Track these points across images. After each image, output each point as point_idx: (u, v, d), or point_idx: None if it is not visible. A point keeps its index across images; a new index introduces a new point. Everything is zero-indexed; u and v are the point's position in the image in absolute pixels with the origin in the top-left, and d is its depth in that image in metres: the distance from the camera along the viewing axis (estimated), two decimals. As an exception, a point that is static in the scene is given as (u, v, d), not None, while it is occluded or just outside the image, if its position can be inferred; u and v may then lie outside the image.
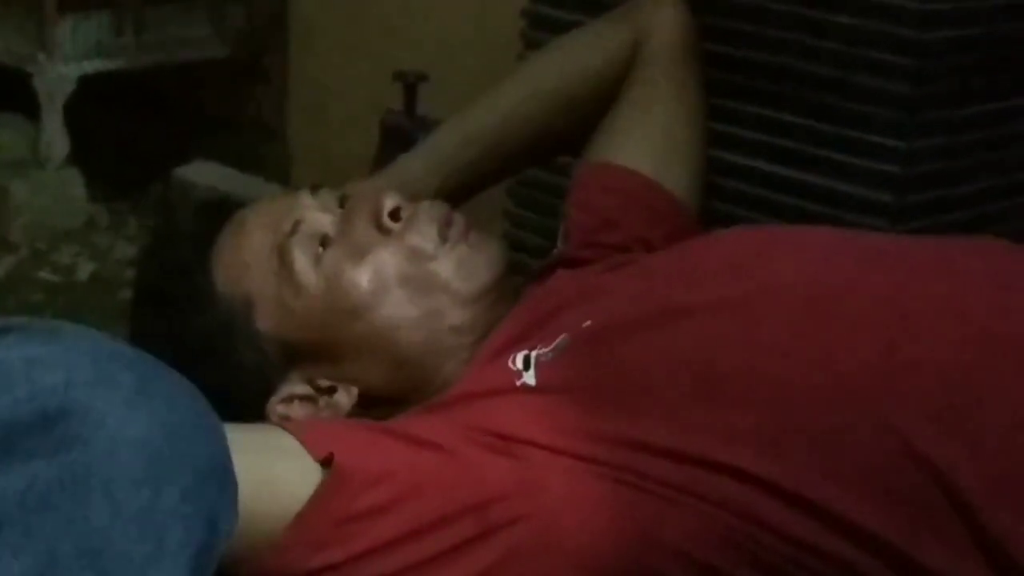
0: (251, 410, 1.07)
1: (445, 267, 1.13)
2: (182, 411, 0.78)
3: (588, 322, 1.08)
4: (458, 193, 1.30)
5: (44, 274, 2.30)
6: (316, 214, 1.14)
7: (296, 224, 1.13)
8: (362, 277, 1.11)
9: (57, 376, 0.75)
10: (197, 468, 0.76)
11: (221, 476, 0.78)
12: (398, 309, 1.11)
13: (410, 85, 1.82)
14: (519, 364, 1.07)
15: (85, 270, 2.32)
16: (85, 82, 2.41)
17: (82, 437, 0.73)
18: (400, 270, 1.12)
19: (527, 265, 1.35)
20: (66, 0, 2.39)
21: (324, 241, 1.13)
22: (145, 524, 0.73)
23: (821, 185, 1.39)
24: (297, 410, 1.11)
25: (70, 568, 0.72)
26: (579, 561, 0.96)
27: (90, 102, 2.43)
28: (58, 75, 2.41)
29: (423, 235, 1.13)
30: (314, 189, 1.17)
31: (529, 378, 1.06)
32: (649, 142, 1.31)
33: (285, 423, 1.07)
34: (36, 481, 0.72)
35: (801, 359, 1.00)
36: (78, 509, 0.72)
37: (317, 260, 1.12)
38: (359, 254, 1.12)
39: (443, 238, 1.13)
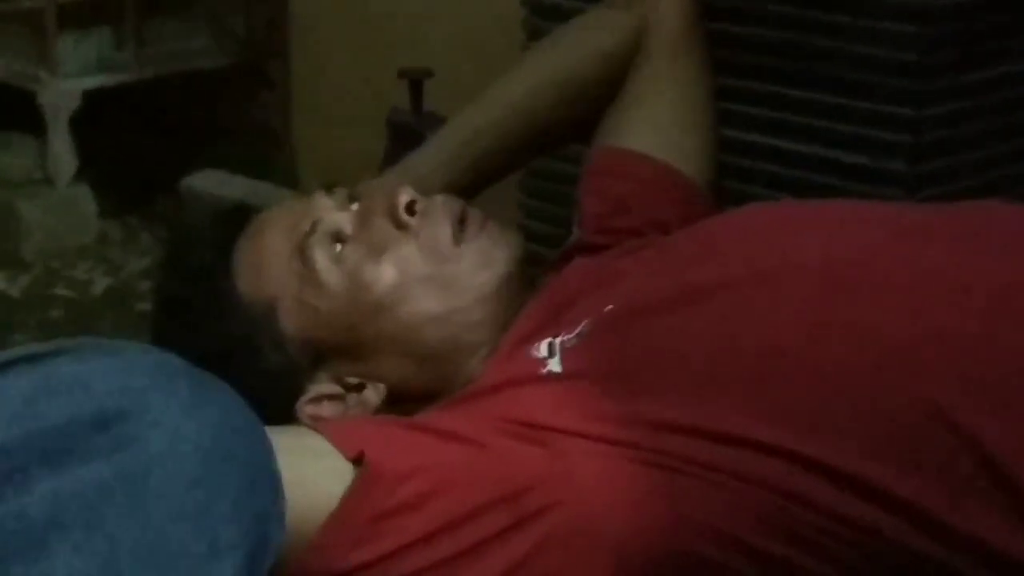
0: (280, 413, 1.07)
1: (462, 267, 1.13)
2: (234, 418, 0.79)
3: (610, 306, 1.08)
4: (470, 187, 1.30)
5: (60, 291, 2.31)
6: (333, 213, 1.14)
7: (314, 224, 1.13)
8: (383, 273, 1.12)
9: (113, 382, 0.77)
10: (249, 472, 0.78)
11: (271, 482, 0.79)
12: (421, 304, 1.11)
13: (415, 82, 1.82)
14: (543, 352, 1.07)
15: (100, 285, 2.33)
16: (89, 98, 2.42)
17: (139, 437, 0.75)
18: (420, 268, 1.12)
19: (542, 255, 1.35)
20: (66, 17, 2.40)
21: (341, 238, 1.13)
22: (200, 523, 0.75)
23: (833, 158, 1.39)
24: (326, 409, 1.11)
25: (129, 564, 0.73)
26: (614, 545, 0.96)
27: (95, 118, 2.43)
28: (62, 92, 2.41)
29: (438, 234, 1.13)
30: (329, 189, 1.17)
31: (554, 365, 1.06)
32: (658, 125, 1.31)
33: (314, 424, 1.07)
34: (94, 481, 0.74)
35: (826, 333, 1.00)
36: (136, 507, 0.74)
37: (337, 258, 1.12)
38: (378, 250, 1.12)
39: (458, 238, 1.13)
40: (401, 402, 1.10)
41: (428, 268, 1.12)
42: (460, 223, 1.14)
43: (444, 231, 1.13)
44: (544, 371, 1.06)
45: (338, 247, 1.13)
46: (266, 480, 0.79)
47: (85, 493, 0.74)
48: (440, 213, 1.14)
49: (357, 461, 0.97)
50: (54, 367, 0.78)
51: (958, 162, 1.39)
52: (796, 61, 1.40)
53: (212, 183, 2.27)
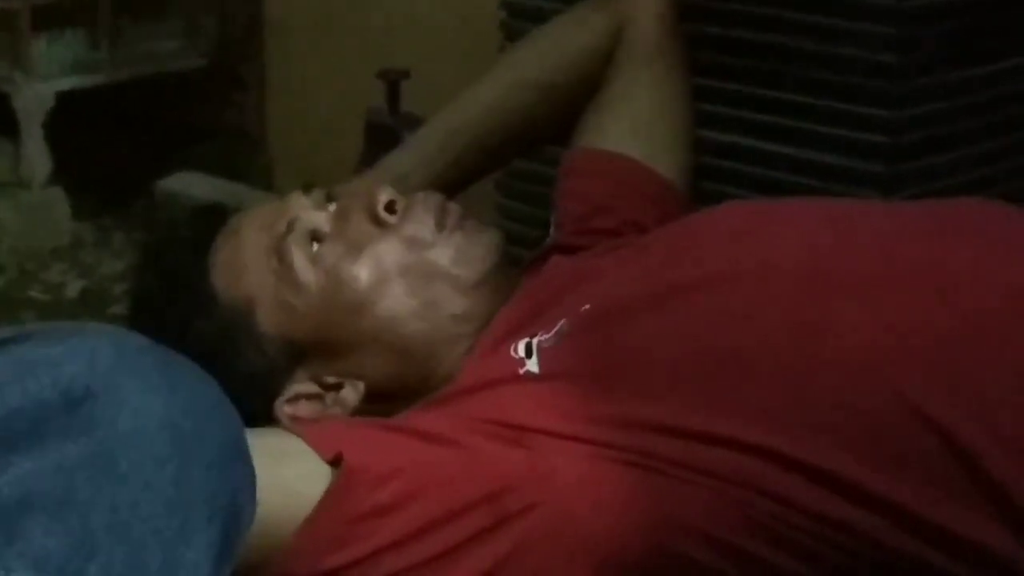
0: (258, 413, 1.07)
1: (443, 255, 1.13)
2: (202, 394, 0.80)
3: (587, 306, 1.08)
4: (448, 187, 1.29)
5: (34, 294, 2.29)
6: (310, 212, 1.14)
7: (291, 223, 1.13)
8: (361, 271, 1.11)
9: (80, 363, 0.77)
10: (219, 447, 0.78)
11: (241, 457, 0.79)
12: (399, 300, 1.11)
13: (392, 82, 1.82)
14: (521, 352, 1.07)
15: (74, 288, 2.31)
16: (63, 99, 2.40)
17: (107, 416, 0.75)
18: (399, 261, 1.12)
19: (520, 256, 1.35)
20: (40, 18, 2.38)
21: (318, 237, 1.12)
22: (172, 499, 0.75)
23: (811, 159, 1.39)
24: (304, 409, 1.11)
25: (103, 543, 0.73)
26: (595, 545, 0.96)
27: (69, 120, 2.42)
28: (36, 94, 2.40)
29: (420, 224, 1.13)
30: (306, 189, 1.17)
31: (532, 365, 1.05)
32: (636, 125, 1.31)
33: (292, 425, 1.06)
34: (65, 461, 0.74)
35: (803, 331, 1.00)
36: (107, 486, 0.74)
37: (315, 257, 1.12)
38: (357, 248, 1.12)
39: (440, 226, 1.13)
40: (380, 401, 1.10)
41: (407, 258, 1.12)
42: (441, 215, 1.14)
43: (426, 224, 1.13)
44: (522, 371, 1.05)
45: (315, 246, 1.12)
46: (236, 454, 0.79)
47: (56, 474, 0.73)
48: (421, 209, 1.14)
49: (335, 463, 0.96)
50: (20, 351, 0.78)
51: (936, 163, 1.39)
52: (774, 62, 1.40)
53: (187, 185, 2.27)
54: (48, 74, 2.41)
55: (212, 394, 0.81)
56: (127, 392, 0.76)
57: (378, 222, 1.13)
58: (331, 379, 1.11)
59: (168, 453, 0.75)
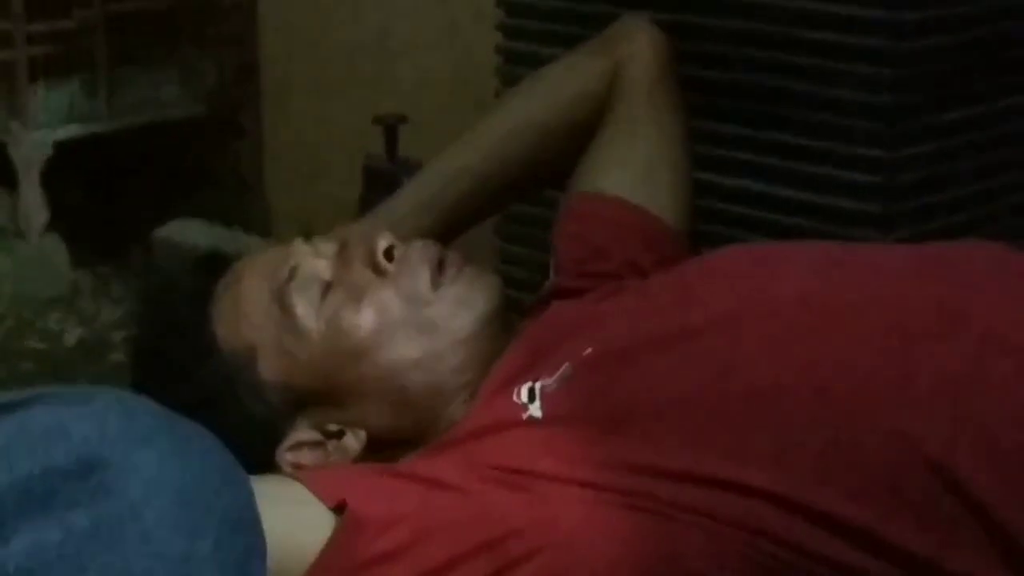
0: (260, 460, 1.07)
1: (441, 311, 1.12)
2: (213, 463, 0.79)
3: (589, 350, 1.08)
4: (447, 232, 1.30)
5: (32, 343, 2.29)
6: (311, 260, 1.14)
7: (293, 271, 1.13)
8: (362, 319, 1.11)
9: (91, 430, 0.76)
10: (229, 517, 0.77)
11: (252, 527, 0.79)
12: (400, 350, 1.11)
13: (390, 128, 1.83)
14: (524, 397, 1.07)
15: (72, 336, 2.32)
16: (61, 148, 2.41)
17: (117, 485, 0.75)
18: (398, 313, 1.12)
19: (519, 301, 1.35)
20: (37, 68, 2.39)
21: (319, 284, 1.13)
22: (181, 570, 0.74)
23: (808, 200, 1.40)
24: (306, 457, 1.10)
25: None
26: (598, 590, 0.96)
27: (67, 168, 2.43)
28: (33, 143, 2.41)
29: (416, 279, 1.13)
30: (307, 236, 1.17)
31: (535, 410, 1.05)
32: (633, 168, 1.32)
33: (295, 472, 1.06)
34: (74, 530, 0.73)
35: (805, 373, 1.00)
36: (116, 556, 0.73)
37: (316, 304, 1.12)
38: (357, 297, 1.12)
39: (435, 284, 1.13)
40: (382, 448, 1.10)
41: (406, 312, 1.12)
42: (438, 267, 1.14)
43: (422, 276, 1.13)
44: (525, 416, 1.05)
45: (317, 293, 1.12)
46: (246, 524, 0.79)
47: (64, 544, 0.73)
48: (418, 258, 1.14)
49: (338, 510, 0.96)
50: (28, 415, 0.78)
51: (932, 202, 1.40)
52: (769, 104, 1.41)
53: (185, 232, 2.27)
54: (46, 123, 2.42)
55: (222, 462, 0.80)
56: (138, 461, 0.76)
57: (377, 269, 1.13)
58: (333, 427, 1.11)
59: (178, 524, 0.75)
